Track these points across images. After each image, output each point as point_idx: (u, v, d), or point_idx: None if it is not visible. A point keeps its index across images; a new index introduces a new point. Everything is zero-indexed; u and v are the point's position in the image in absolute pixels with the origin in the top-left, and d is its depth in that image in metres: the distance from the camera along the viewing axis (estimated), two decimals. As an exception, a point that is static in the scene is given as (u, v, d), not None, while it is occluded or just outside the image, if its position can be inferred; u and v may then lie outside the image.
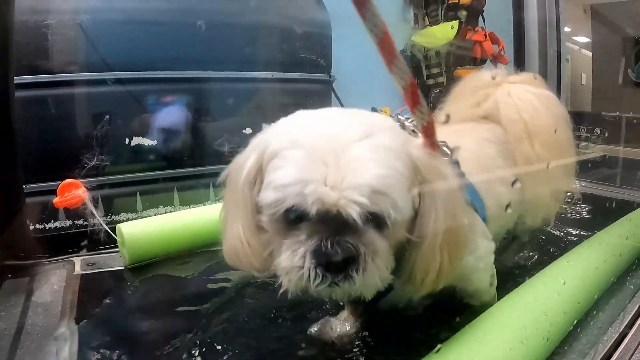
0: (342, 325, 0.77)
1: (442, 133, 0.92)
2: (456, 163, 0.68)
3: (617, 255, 0.90)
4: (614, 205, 1.53)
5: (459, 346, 0.62)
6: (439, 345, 0.60)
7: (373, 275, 0.51)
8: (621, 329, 0.78)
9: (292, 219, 0.51)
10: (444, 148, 0.65)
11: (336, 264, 0.49)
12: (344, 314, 0.79)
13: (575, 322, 0.77)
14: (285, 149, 0.50)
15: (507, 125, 0.89)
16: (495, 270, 0.78)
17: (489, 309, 0.71)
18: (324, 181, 0.47)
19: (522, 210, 0.91)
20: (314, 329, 0.78)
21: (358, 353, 0.74)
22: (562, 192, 1.03)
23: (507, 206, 0.79)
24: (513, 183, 0.83)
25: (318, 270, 0.49)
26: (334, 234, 0.49)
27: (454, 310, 0.79)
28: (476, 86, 0.98)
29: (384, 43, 0.45)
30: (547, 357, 0.70)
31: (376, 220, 0.50)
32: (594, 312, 0.83)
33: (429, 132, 0.55)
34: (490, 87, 0.95)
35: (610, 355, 0.72)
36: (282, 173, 0.49)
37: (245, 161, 0.56)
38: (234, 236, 0.56)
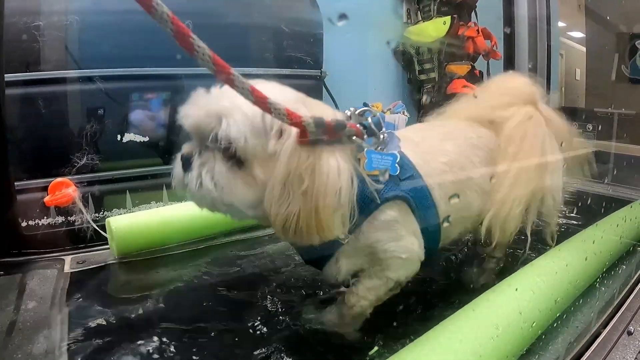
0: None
1: (431, 124, 0.99)
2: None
3: (583, 259, 0.91)
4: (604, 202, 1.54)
5: (429, 342, 0.66)
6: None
7: (199, 182, 0.66)
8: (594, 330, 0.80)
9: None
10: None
11: (183, 162, 0.68)
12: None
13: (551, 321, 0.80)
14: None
15: (504, 142, 0.89)
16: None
17: (465, 307, 0.74)
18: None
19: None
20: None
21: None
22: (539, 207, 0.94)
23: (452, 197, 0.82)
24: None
25: (176, 166, 0.70)
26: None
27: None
28: (510, 90, 0.96)
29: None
30: (520, 353, 0.72)
31: (225, 149, 0.64)
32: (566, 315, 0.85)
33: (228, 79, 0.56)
34: (521, 98, 0.93)
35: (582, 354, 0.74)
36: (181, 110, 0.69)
37: None
38: None
